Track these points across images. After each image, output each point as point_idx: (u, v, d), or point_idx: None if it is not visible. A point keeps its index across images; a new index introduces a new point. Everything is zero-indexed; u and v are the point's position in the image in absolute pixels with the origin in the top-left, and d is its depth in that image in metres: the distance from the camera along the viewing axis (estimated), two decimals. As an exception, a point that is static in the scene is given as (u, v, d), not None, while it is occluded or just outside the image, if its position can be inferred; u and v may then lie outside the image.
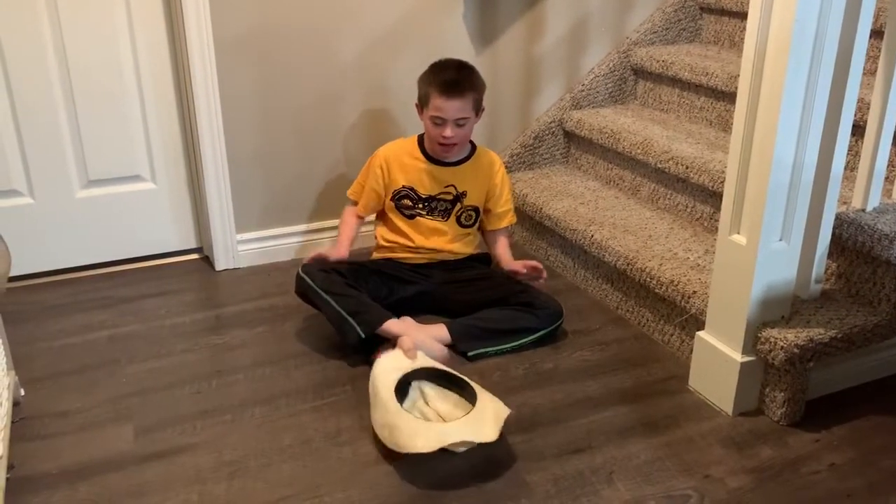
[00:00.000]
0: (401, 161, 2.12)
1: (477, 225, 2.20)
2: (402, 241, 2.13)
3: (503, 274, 2.13)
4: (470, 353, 1.89)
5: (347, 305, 1.88)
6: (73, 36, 2.13)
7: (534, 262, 2.23)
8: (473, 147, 2.16)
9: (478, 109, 2.06)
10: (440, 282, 2.10)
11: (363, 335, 1.85)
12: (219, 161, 2.28)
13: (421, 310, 2.03)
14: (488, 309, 1.96)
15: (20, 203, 2.23)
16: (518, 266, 2.10)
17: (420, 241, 2.12)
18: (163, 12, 2.19)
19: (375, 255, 2.18)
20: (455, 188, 2.12)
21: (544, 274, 2.09)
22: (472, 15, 2.45)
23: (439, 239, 2.13)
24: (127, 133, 2.27)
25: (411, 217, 2.13)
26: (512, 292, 2.02)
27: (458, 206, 2.13)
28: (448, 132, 2.00)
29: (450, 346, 1.90)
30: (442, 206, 2.13)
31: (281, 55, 2.27)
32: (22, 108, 2.14)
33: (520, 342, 1.93)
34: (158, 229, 2.40)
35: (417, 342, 1.81)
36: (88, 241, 2.33)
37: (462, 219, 2.15)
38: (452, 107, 1.98)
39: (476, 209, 2.16)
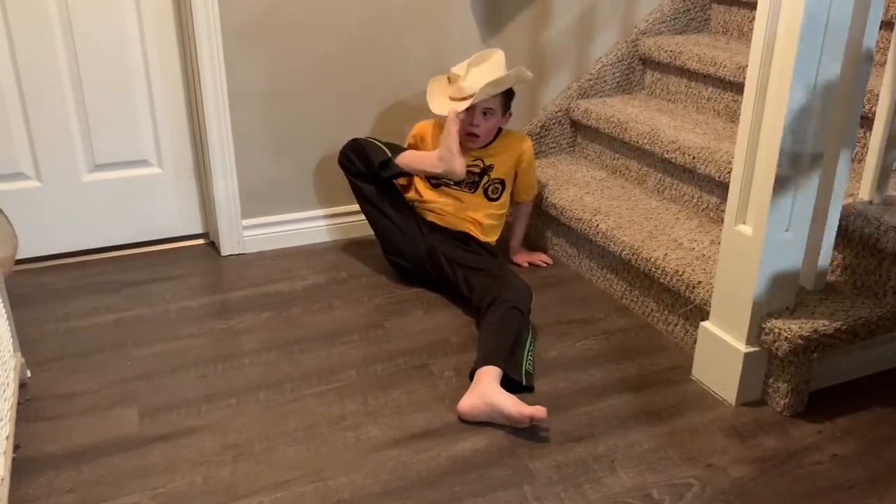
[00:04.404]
0: (433, 134, 2.25)
1: (503, 200, 2.26)
2: (426, 204, 2.24)
3: (490, 259, 2.17)
4: (525, 383, 1.74)
5: (387, 146, 2.17)
6: (80, 20, 2.13)
7: (538, 259, 2.37)
8: (499, 131, 2.25)
9: (505, 109, 2.19)
10: (440, 240, 2.17)
11: (389, 155, 2.13)
12: (225, 146, 2.29)
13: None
14: (482, 335, 1.85)
15: (27, 186, 2.23)
16: (522, 261, 2.35)
17: (441, 207, 2.22)
18: (171, -4, 2.20)
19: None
20: (482, 161, 2.21)
21: (549, 261, 2.37)
22: (479, 2, 2.44)
23: (463, 209, 2.20)
24: (134, 117, 2.28)
25: (437, 186, 2.23)
26: (477, 276, 2.04)
27: (486, 178, 2.22)
28: (475, 120, 2.13)
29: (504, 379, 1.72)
30: (469, 178, 2.21)
31: (288, 40, 2.27)
32: (29, 92, 2.15)
33: (529, 340, 1.83)
34: (164, 214, 2.41)
35: (490, 405, 1.63)
36: (95, 225, 2.34)
37: (489, 191, 2.23)
38: None
39: (503, 182, 2.24)
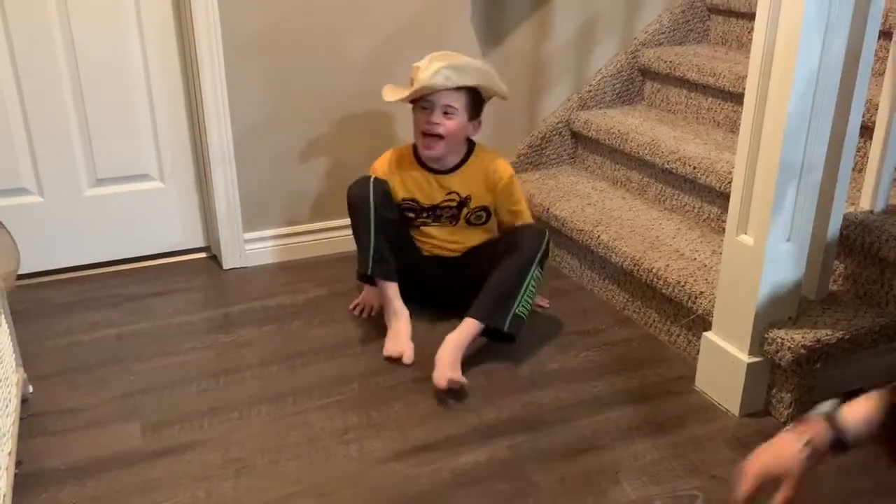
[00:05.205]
0: (399, 173, 2.05)
1: (490, 224, 2.12)
2: (419, 241, 2.11)
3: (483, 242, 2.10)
4: (506, 329, 1.84)
5: (378, 244, 1.94)
6: (82, 35, 2.14)
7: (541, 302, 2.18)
8: (471, 149, 2.05)
9: (471, 110, 1.97)
10: (441, 274, 2.08)
11: (368, 274, 1.95)
12: (226, 160, 2.29)
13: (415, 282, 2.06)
14: (486, 281, 1.89)
15: (29, 201, 2.24)
16: None
17: (431, 246, 2.09)
18: (172, 11, 2.20)
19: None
20: (458, 194, 2.03)
21: (546, 304, 2.18)
22: (479, 15, 2.45)
23: (449, 241, 2.08)
24: (135, 132, 2.28)
25: (418, 227, 2.08)
26: (493, 247, 2.02)
27: (465, 210, 2.05)
28: (434, 118, 1.93)
29: (485, 331, 1.87)
30: (448, 212, 2.05)
31: (289, 54, 2.28)
32: (32, 107, 2.15)
33: (528, 281, 1.86)
34: (166, 228, 2.41)
35: (436, 362, 1.79)
36: (97, 240, 2.34)
37: (472, 219, 2.07)
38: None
39: (485, 208, 2.07)
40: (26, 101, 2.14)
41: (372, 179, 1.98)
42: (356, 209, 1.97)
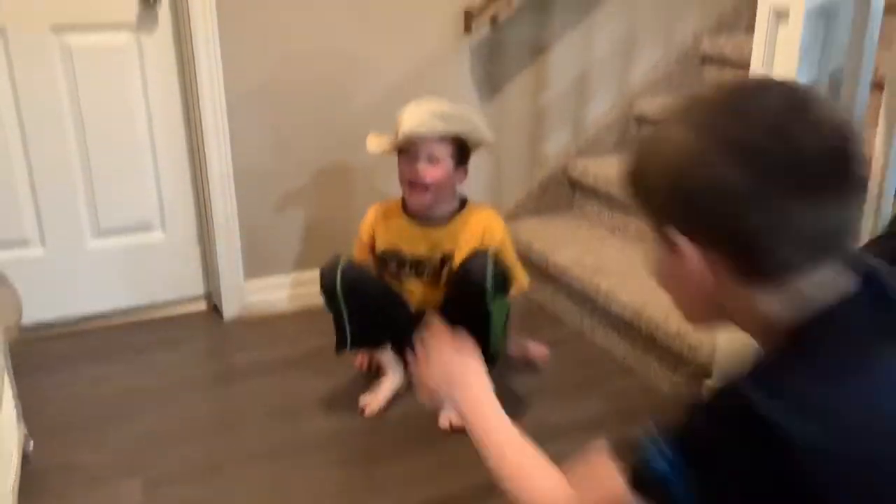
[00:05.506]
0: (386, 220, 2.00)
1: None
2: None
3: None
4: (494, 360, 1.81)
5: (353, 326, 1.91)
6: (87, 88, 2.17)
7: (540, 352, 2.12)
8: (463, 204, 1.98)
9: (457, 157, 1.90)
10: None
11: (346, 348, 1.94)
12: (229, 211, 2.31)
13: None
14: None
15: (32, 253, 2.25)
16: (524, 351, 2.11)
17: (412, 295, 2.00)
18: (176, 67, 2.24)
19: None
20: (442, 249, 1.93)
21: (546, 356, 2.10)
22: (477, 65, 2.49)
23: (431, 298, 1.97)
24: (138, 184, 2.30)
25: (400, 281, 2.00)
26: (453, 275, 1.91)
27: (447, 269, 1.93)
28: (419, 167, 1.86)
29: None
30: (430, 269, 1.96)
31: (290, 107, 2.31)
32: (36, 158, 2.18)
33: (490, 317, 1.80)
34: (168, 279, 2.42)
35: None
36: (99, 291, 2.35)
37: None
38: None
39: None
40: (30, 151, 2.17)
41: (340, 268, 1.89)
42: (328, 297, 1.91)
